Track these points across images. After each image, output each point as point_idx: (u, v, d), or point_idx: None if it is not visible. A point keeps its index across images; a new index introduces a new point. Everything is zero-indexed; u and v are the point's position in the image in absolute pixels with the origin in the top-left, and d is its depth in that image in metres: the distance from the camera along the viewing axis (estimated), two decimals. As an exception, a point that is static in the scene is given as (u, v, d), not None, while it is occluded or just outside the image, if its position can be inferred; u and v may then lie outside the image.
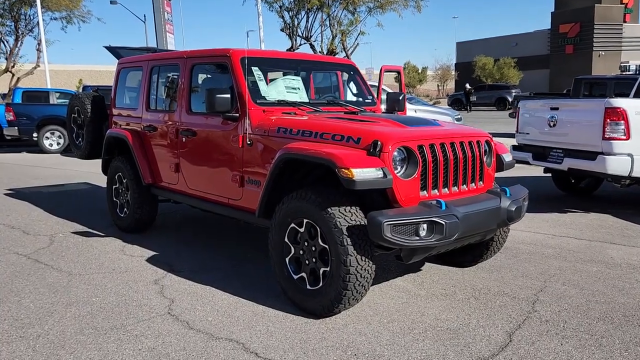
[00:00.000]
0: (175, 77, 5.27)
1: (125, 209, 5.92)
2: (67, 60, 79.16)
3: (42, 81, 25.01)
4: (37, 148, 14.99)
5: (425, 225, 3.33)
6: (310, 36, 29.06)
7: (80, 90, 23.81)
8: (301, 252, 3.70)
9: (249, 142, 4.24)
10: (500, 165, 4.28)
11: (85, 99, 6.58)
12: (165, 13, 26.92)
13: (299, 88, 4.78)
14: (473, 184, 3.94)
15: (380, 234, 3.20)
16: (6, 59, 27.28)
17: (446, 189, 3.76)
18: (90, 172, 10.23)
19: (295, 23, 28.96)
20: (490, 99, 34.95)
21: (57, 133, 14.95)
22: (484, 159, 4.02)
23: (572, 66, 42.84)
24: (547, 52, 47.28)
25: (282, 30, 29.18)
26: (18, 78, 27.55)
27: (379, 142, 3.44)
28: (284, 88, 4.67)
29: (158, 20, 26.21)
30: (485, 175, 4.02)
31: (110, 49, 6.75)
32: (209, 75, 5.09)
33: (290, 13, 28.77)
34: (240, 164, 4.36)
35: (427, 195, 3.63)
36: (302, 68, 5.15)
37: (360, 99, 5.35)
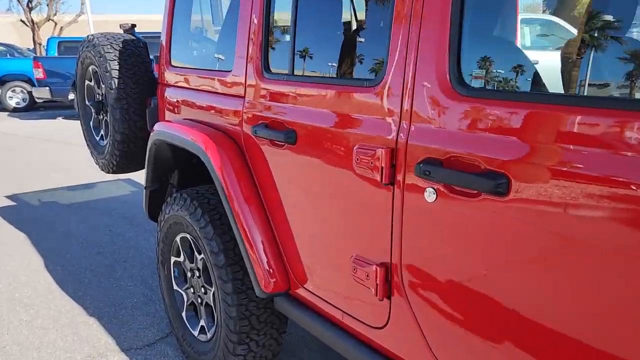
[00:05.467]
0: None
1: (203, 323, 2.40)
2: (123, 10, 76.71)
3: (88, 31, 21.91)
4: (75, 112, 11.77)
5: None
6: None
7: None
8: None
9: None
10: None
11: (107, 50, 2.98)
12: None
13: None
14: None
15: None
16: (47, 5, 24.24)
17: None
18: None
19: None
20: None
21: (98, 94, 11.63)
22: None
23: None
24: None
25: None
26: (61, 27, 24.55)
27: None
28: None
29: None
30: None
31: None
32: None
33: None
34: None
35: None
36: None
37: None
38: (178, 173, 2.66)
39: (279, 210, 1.88)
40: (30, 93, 12.68)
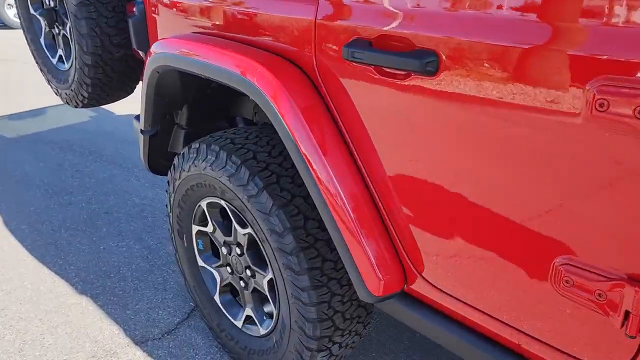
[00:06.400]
0: None
1: (250, 313, 1.80)
2: None
3: None
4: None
5: None
6: None
7: None
8: None
9: None
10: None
11: None
12: None
13: None
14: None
15: None
16: None
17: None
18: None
19: None
20: None
21: (24, -2, 9.96)
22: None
23: None
24: None
25: None
26: None
27: None
28: None
29: None
30: None
31: None
32: None
33: None
34: None
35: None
36: None
37: None
38: (187, 110, 1.92)
39: (382, 173, 1.23)
40: (-60, -1, 10.81)
